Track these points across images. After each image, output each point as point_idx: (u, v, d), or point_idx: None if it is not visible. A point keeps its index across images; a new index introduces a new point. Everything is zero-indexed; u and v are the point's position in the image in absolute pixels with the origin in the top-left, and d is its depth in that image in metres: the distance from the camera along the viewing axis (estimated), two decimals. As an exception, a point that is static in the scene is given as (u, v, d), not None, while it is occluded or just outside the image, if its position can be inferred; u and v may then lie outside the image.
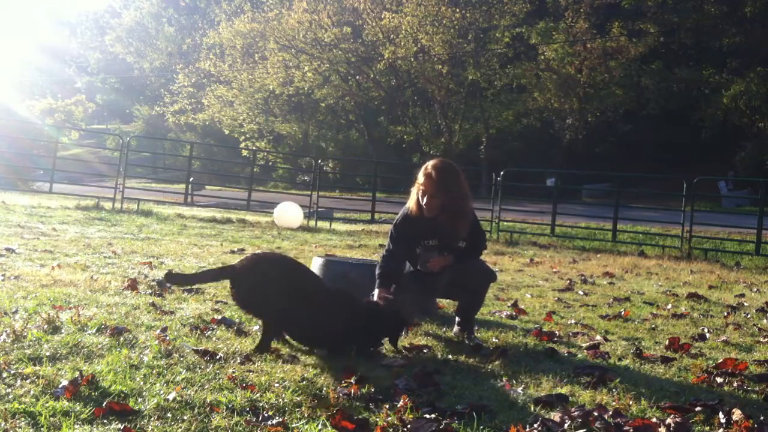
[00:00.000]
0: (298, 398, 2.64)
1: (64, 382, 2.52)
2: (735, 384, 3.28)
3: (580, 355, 3.81)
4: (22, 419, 2.24)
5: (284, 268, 3.56)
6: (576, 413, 2.59)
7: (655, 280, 8.02)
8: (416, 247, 4.05)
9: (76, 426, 2.24)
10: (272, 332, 3.49)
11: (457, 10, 31.38)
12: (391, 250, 4.06)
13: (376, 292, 3.93)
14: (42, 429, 2.19)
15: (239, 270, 3.49)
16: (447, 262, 4.02)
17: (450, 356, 3.55)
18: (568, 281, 7.24)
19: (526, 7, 32.10)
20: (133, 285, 4.76)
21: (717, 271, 9.36)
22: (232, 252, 7.80)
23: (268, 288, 3.42)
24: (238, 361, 3.10)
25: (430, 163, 4.00)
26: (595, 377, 3.19)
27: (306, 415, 2.49)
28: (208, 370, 2.93)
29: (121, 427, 2.23)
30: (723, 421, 2.65)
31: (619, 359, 3.75)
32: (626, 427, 2.51)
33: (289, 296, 3.44)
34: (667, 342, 4.12)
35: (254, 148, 37.65)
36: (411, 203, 4.05)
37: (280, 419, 2.42)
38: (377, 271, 4.03)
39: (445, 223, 3.97)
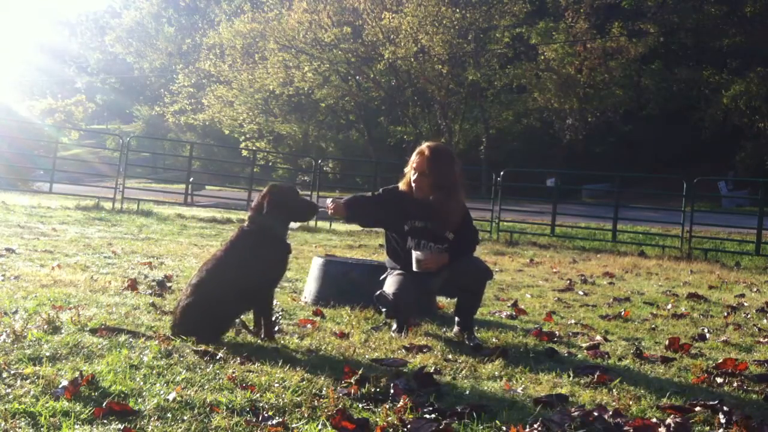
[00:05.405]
0: (298, 398, 2.64)
1: (64, 382, 2.52)
2: (735, 384, 3.28)
3: (580, 355, 3.80)
4: (22, 419, 2.24)
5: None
6: (576, 413, 2.59)
7: (655, 280, 8.01)
8: (404, 224, 4.08)
9: (76, 426, 2.24)
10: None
11: (457, 10, 31.35)
12: (368, 195, 4.20)
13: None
14: (42, 429, 2.19)
15: None
16: (443, 260, 4.02)
17: (450, 356, 3.55)
18: (568, 281, 7.23)
19: (526, 7, 32.06)
20: (133, 285, 4.76)
21: (717, 271, 9.35)
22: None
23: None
24: (238, 361, 3.10)
25: (425, 144, 4.13)
26: (595, 377, 3.19)
27: (306, 415, 2.49)
28: (208, 370, 2.92)
29: (121, 427, 2.23)
30: (723, 421, 2.64)
31: (619, 359, 3.74)
32: (626, 427, 2.51)
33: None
34: (667, 342, 4.12)
35: (254, 148, 37.54)
36: (402, 183, 4.14)
37: (280, 419, 2.41)
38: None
39: (435, 205, 4.00)
